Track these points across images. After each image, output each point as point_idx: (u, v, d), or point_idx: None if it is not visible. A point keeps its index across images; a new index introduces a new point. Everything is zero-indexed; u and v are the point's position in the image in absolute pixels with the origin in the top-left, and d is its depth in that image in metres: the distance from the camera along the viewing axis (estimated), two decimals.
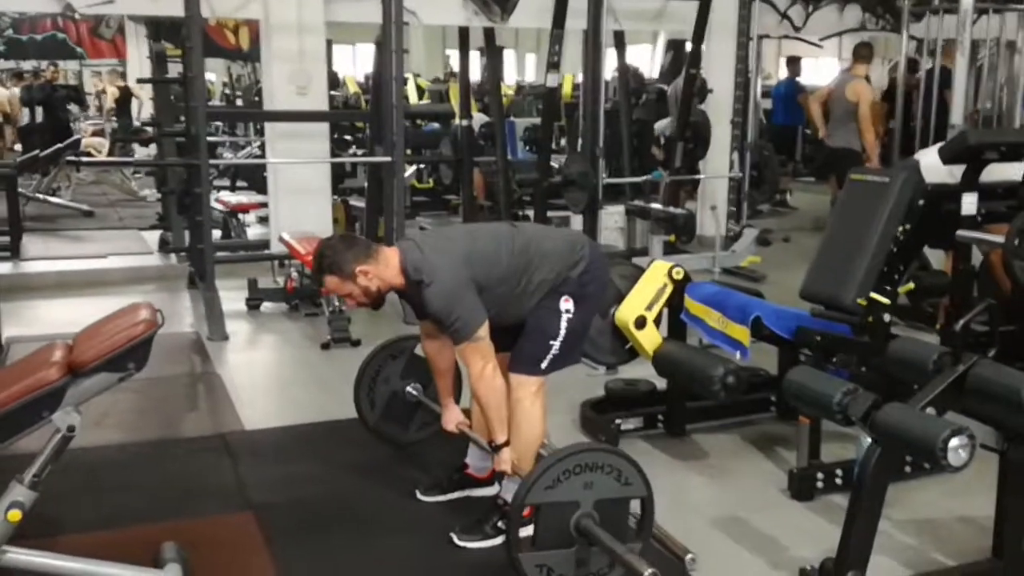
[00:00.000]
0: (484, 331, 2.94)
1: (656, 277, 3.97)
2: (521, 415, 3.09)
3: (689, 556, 3.02)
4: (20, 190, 8.85)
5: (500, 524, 3.13)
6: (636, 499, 2.78)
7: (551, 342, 3.05)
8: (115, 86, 14.65)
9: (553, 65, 7.15)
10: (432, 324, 3.16)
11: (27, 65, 17.63)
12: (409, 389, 3.75)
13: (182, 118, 7.22)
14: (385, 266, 3.01)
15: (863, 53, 7.85)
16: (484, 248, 3.05)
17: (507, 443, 3.04)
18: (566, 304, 3.05)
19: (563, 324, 3.04)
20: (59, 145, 10.52)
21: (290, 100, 6.93)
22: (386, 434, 3.83)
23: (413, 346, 3.67)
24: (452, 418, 3.43)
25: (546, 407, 3.18)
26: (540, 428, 3.16)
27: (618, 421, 4.00)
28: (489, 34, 7.98)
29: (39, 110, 13.71)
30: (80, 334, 2.72)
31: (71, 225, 9.46)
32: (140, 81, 9.73)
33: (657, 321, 3.94)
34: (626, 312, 3.88)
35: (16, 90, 14.44)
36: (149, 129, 9.99)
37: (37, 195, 10.13)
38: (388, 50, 6.15)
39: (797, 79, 11.24)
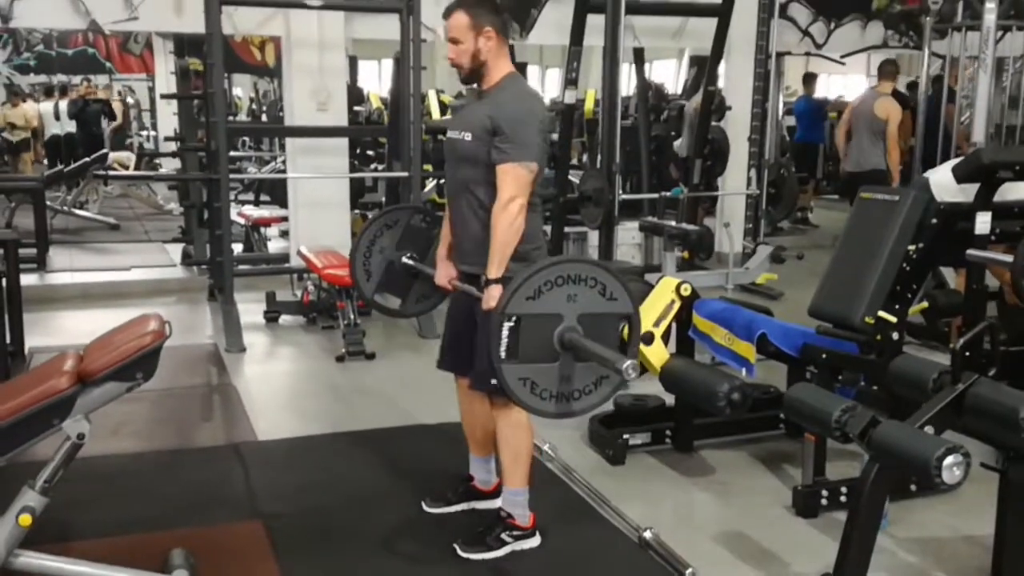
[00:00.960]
0: (534, 168, 2.91)
1: (664, 293, 4.00)
2: (507, 427, 3.11)
3: (689, 571, 3.04)
4: (48, 203, 9.02)
5: (503, 536, 3.17)
6: (622, 315, 2.74)
7: None
8: (118, 101, 14.93)
9: (571, 82, 7.20)
10: (470, 151, 3.01)
11: (54, 80, 17.91)
12: (405, 260, 3.63)
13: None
14: (502, 54, 3.01)
15: (888, 70, 7.83)
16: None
17: (498, 281, 2.90)
18: None
19: None
20: (86, 159, 10.71)
21: (311, 116, 7.04)
22: (384, 306, 3.75)
23: (409, 216, 3.64)
24: (444, 274, 3.32)
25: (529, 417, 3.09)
26: (527, 435, 3.16)
27: (626, 436, 4.03)
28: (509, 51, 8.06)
29: (67, 123, 13.97)
30: (91, 345, 2.79)
31: (97, 238, 9.64)
32: (164, 96, 9.90)
33: (665, 337, 3.97)
34: None
35: (49, 105, 14.70)
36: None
37: (64, 208, 10.32)
38: (407, 67, 6.24)
39: (813, 96, 11.23)
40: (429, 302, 3.69)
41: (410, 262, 3.62)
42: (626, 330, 2.79)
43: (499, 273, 2.92)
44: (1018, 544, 2.78)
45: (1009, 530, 2.80)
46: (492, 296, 2.88)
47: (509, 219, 2.90)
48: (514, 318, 2.62)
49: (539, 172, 2.98)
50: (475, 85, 3.13)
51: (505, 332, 2.62)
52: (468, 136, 3.03)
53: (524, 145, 2.89)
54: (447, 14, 3.04)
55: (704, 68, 8.62)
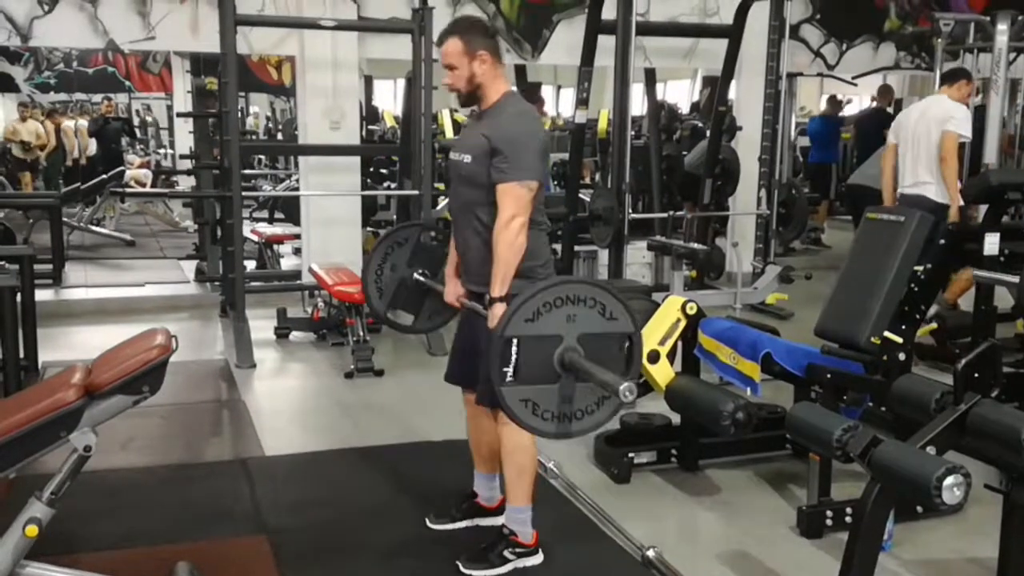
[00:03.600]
0: (534, 187, 2.94)
1: (670, 312, 4.01)
2: (510, 443, 3.12)
3: None
4: (65, 220, 9.12)
5: (506, 553, 3.18)
6: (622, 335, 2.75)
7: None
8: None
9: (582, 102, 7.24)
10: (470, 172, 3.05)
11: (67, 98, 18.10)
12: (416, 276, 3.67)
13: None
14: (497, 75, 3.05)
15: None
16: None
17: (502, 299, 2.92)
18: None
19: None
20: (103, 176, 10.83)
21: (324, 134, 7.11)
22: (397, 323, 3.78)
23: (419, 233, 3.67)
24: (452, 291, 3.36)
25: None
26: (532, 452, 3.17)
27: (631, 454, 4.03)
28: (520, 71, 8.12)
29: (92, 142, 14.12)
30: (98, 358, 2.82)
31: (113, 254, 9.74)
32: (180, 115, 10.02)
33: (671, 356, 3.98)
34: None
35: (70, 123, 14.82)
36: None
37: (81, 224, 10.42)
38: (418, 86, 6.29)
39: (830, 117, 11.23)
40: (440, 318, 3.71)
41: (421, 278, 3.65)
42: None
43: (502, 292, 2.94)
44: (1022, 566, 2.77)
45: (1013, 552, 2.78)
46: (496, 315, 2.91)
47: (510, 238, 2.92)
48: (514, 340, 2.63)
49: (539, 190, 3.01)
50: (473, 107, 3.18)
51: (506, 354, 2.64)
52: (468, 158, 3.07)
53: (523, 164, 2.93)
54: (441, 41, 3.10)
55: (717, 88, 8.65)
